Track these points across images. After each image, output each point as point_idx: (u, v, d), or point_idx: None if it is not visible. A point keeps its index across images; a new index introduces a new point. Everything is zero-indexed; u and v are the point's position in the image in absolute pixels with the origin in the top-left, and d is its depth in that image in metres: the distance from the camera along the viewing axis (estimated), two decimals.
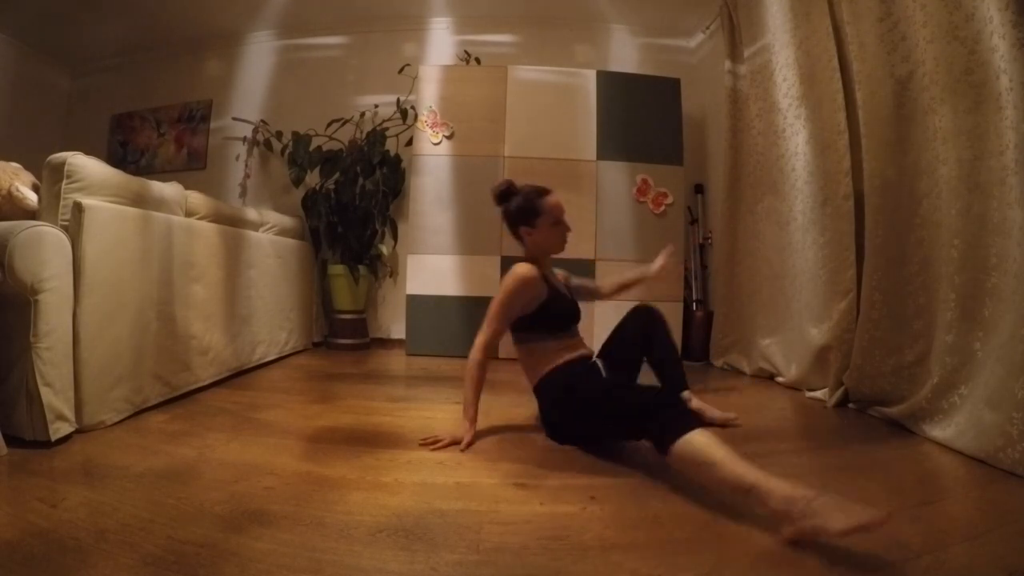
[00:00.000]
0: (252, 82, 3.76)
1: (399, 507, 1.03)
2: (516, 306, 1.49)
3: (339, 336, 3.32)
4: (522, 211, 1.54)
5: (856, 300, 1.88)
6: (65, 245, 1.40)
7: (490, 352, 1.48)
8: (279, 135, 3.51)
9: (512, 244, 1.68)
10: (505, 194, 1.57)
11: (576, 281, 1.78)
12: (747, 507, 0.95)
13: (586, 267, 2.96)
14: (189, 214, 2.04)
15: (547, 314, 1.52)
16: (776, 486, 0.90)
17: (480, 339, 1.48)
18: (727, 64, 2.85)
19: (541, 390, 1.51)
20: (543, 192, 1.55)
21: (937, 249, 1.55)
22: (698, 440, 1.02)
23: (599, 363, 1.57)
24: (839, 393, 1.90)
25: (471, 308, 2.80)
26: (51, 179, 1.46)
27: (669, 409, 1.13)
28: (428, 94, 3.11)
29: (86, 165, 1.49)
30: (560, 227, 1.55)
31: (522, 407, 1.47)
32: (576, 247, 3.00)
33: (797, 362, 2.22)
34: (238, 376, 2.28)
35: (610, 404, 1.30)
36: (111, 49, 3.83)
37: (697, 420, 1.09)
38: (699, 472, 1.02)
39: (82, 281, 1.43)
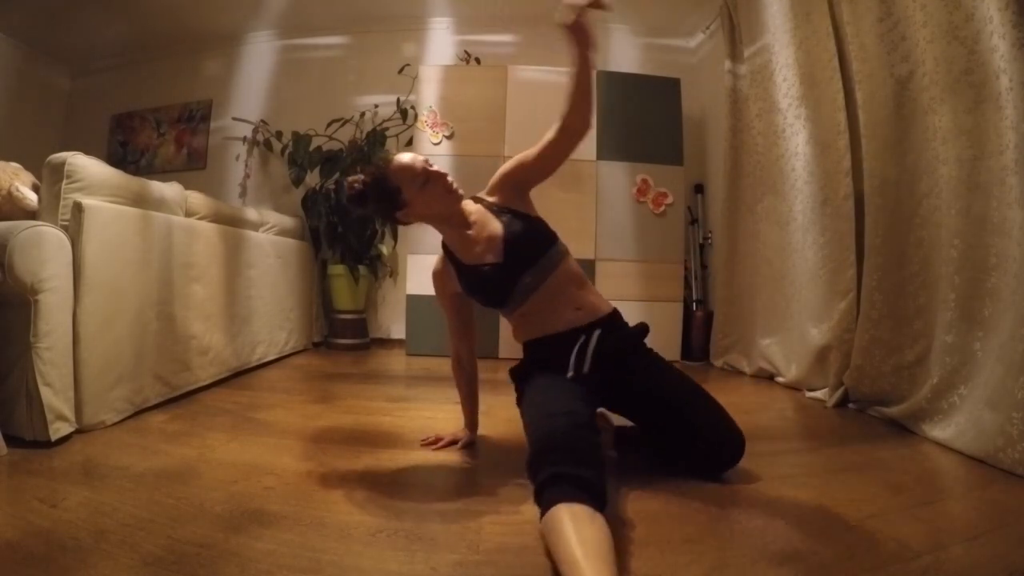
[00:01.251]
0: (252, 82, 3.76)
1: (399, 507, 1.03)
2: (445, 303, 1.36)
3: (339, 336, 3.32)
4: (383, 201, 1.24)
5: (856, 300, 1.88)
6: (65, 245, 1.40)
7: (460, 352, 1.39)
8: (279, 135, 3.51)
9: None
10: (359, 197, 1.24)
11: (512, 164, 1.34)
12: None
13: (586, 268, 2.95)
14: (189, 214, 2.04)
15: (481, 296, 1.30)
16: None
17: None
18: (727, 64, 2.85)
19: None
20: (385, 164, 1.24)
21: (937, 249, 1.55)
22: (558, 521, 0.78)
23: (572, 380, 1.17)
24: (839, 393, 1.90)
25: None
26: (51, 179, 1.46)
27: (554, 466, 0.87)
28: (428, 94, 3.11)
29: (86, 165, 1.49)
30: (432, 183, 1.22)
31: None
32: (576, 247, 3.02)
33: (797, 362, 2.22)
34: (238, 376, 2.28)
35: (526, 419, 1.12)
36: (111, 49, 3.83)
37: (582, 491, 0.82)
38: (549, 549, 0.80)
39: (82, 281, 1.43)
